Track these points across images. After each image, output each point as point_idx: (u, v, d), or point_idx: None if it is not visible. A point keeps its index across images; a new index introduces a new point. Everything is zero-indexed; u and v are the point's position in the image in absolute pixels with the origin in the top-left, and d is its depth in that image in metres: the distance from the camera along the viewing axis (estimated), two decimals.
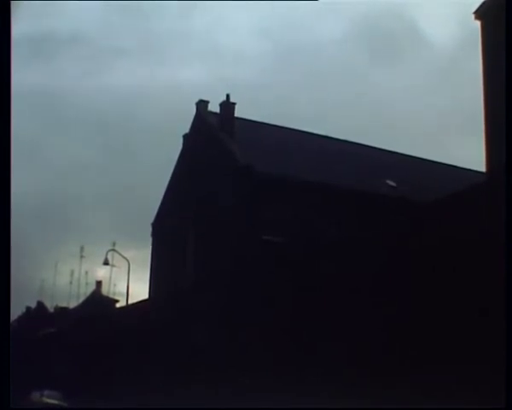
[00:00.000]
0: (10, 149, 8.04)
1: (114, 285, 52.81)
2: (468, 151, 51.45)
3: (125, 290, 33.68)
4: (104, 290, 53.54)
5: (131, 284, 42.11)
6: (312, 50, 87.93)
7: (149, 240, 36.12)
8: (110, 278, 51.80)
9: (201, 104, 32.53)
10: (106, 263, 34.71)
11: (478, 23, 20.86)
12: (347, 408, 13.12)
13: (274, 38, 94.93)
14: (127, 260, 34.18)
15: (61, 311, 56.86)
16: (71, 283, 56.96)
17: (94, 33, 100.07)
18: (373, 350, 13.59)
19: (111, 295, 50.91)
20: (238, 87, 74.81)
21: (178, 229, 32.38)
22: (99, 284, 54.38)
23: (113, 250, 35.68)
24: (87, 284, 55.91)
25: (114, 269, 41.01)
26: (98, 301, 49.29)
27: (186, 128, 33.99)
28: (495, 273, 9.64)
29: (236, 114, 30.50)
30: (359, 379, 13.70)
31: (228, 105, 30.20)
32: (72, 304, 55.69)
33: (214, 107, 31.24)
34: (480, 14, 20.65)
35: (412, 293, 12.75)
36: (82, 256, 54.96)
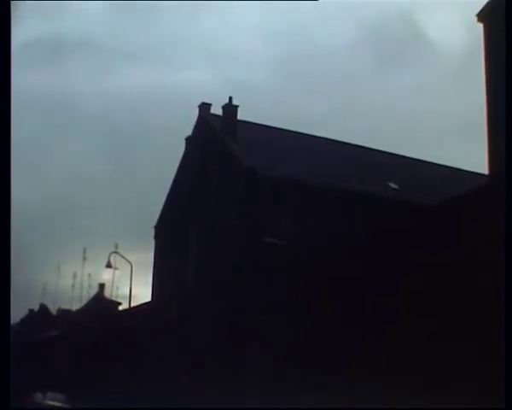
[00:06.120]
0: (10, 149, 8.03)
1: (117, 288, 52.77)
2: (471, 154, 51.40)
3: (128, 293, 33.69)
4: (107, 293, 53.46)
5: (134, 287, 42.06)
6: (318, 53, 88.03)
7: (152, 243, 36.14)
8: (113, 280, 51.57)
9: (204, 107, 32.53)
10: (109, 266, 34.65)
11: (480, 25, 20.86)
12: (347, 408, 13.13)
13: (280, 41, 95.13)
14: (130, 263, 34.19)
15: (64, 313, 56.88)
16: (73, 285, 56.97)
17: (100, 36, 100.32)
18: (374, 351, 13.59)
19: (114, 298, 50.88)
20: (243, 90, 74.85)
21: (181, 232, 32.39)
22: (102, 286, 54.28)
23: (116, 253, 35.63)
24: (90, 286, 55.88)
25: (117, 272, 40.92)
26: (101, 304, 49.21)
27: (189, 131, 34.03)
28: (496, 275, 9.64)
29: (241, 117, 30.46)
30: (361, 379, 13.70)
31: (230, 107, 30.17)
32: (75, 307, 55.72)
33: (218, 109, 31.24)
34: (482, 16, 20.65)
35: (414, 295, 12.75)
36: (85, 259, 54.96)
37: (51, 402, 32.92)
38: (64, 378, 38.60)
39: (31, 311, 64.12)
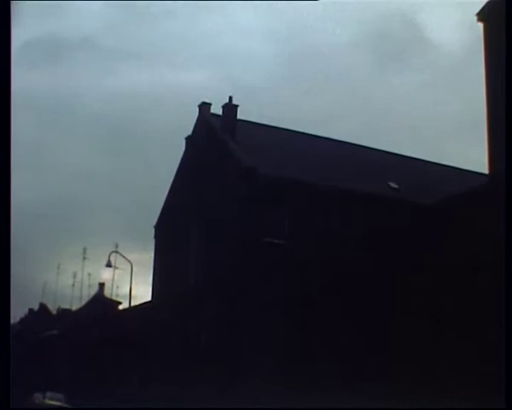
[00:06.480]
0: (10, 149, 8.03)
1: (117, 287, 52.69)
2: (471, 153, 51.37)
3: (128, 293, 33.65)
4: (107, 293, 53.37)
5: (134, 287, 41.97)
6: (318, 53, 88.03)
7: (152, 242, 36.12)
8: (113, 280, 51.44)
9: (204, 106, 32.49)
10: (109, 265, 34.57)
11: (480, 25, 20.84)
12: (348, 408, 13.13)
13: (280, 41, 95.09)
14: (130, 263, 34.15)
15: (64, 313, 56.88)
16: (73, 285, 56.91)
17: (100, 36, 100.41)
18: (374, 351, 13.59)
19: (114, 298, 50.83)
20: (243, 90, 74.88)
21: (181, 231, 32.38)
22: (102, 286, 54.21)
23: (116, 252, 35.55)
24: (90, 286, 55.75)
25: (117, 271, 40.77)
26: (101, 304, 49.17)
27: (189, 130, 34.02)
28: (496, 273, 9.64)
29: (243, 117, 30.44)
30: (362, 379, 13.70)
31: (230, 107, 30.14)
32: (75, 306, 55.70)
33: (218, 109, 31.21)
34: (482, 15, 20.63)
35: (414, 294, 12.75)
36: (85, 258, 54.90)
37: (51, 402, 32.95)
38: (64, 378, 38.62)
39: (31, 310, 64.16)
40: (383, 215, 22.38)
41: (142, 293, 56.58)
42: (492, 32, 19.64)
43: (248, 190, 26.41)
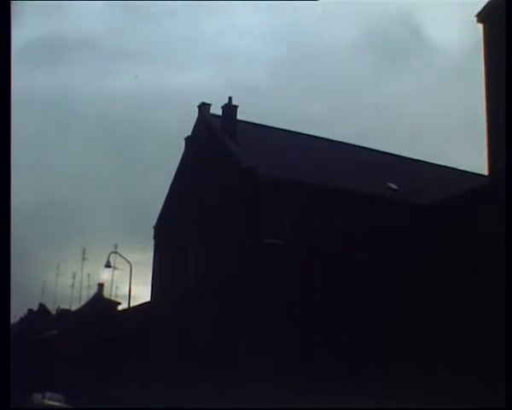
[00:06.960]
0: (10, 149, 8.04)
1: (116, 288, 52.65)
2: (471, 154, 51.41)
3: (127, 293, 33.65)
4: (106, 293, 53.33)
5: (133, 287, 42.02)
6: (318, 54, 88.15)
7: (152, 243, 36.11)
8: (112, 280, 51.34)
9: (204, 107, 32.51)
10: (108, 266, 34.57)
11: (480, 26, 20.86)
12: (348, 408, 13.15)
13: (280, 41, 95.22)
14: (129, 263, 34.15)
15: (63, 313, 56.88)
16: (73, 285, 56.88)
17: (100, 36, 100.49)
18: (374, 351, 13.60)
19: (113, 298, 50.82)
20: (243, 90, 74.90)
21: (180, 231, 32.38)
22: (101, 286, 54.17)
23: (116, 253, 35.56)
24: (89, 286, 55.72)
25: (116, 272, 40.76)
26: (100, 304, 49.14)
27: (189, 131, 34.02)
28: (496, 273, 9.65)
29: (242, 118, 30.45)
30: (361, 379, 13.70)
31: (230, 108, 30.16)
32: (75, 306, 55.68)
33: (217, 110, 31.23)
34: (482, 17, 20.65)
35: (414, 295, 12.76)
36: (84, 259, 54.88)
37: (50, 402, 32.94)
38: (63, 378, 38.61)
39: (30, 310, 64.15)
40: (383, 216, 22.40)
41: (142, 293, 56.49)
42: (492, 33, 19.66)
43: (248, 190, 26.40)
